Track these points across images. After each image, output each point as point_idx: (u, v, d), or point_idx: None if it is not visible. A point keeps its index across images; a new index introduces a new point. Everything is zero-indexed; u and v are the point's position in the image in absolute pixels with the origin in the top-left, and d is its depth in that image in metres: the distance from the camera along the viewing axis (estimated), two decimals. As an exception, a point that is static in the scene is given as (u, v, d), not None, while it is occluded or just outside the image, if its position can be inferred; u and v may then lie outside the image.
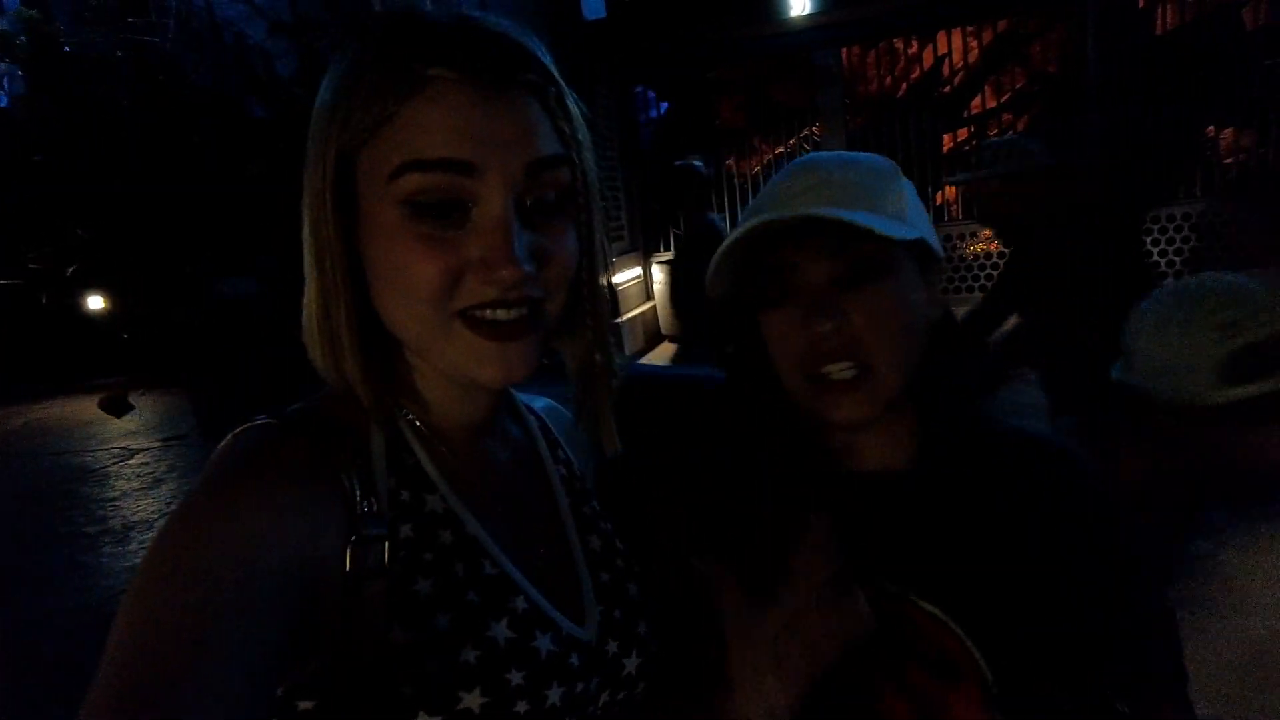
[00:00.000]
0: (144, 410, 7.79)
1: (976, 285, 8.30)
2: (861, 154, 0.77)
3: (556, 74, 0.59)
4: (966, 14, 7.88)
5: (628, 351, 8.01)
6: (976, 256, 8.33)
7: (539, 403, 0.79)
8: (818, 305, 0.69)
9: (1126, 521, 0.75)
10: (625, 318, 8.25)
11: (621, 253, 8.63)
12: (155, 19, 9.29)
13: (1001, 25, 8.15)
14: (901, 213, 0.72)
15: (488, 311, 0.56)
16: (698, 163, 3.85)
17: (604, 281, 0.65)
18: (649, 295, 9.22)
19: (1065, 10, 7.38)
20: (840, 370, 0.69)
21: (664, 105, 9.47)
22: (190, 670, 0.44)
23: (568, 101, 0.59)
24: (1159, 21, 7.70)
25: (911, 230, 0.69)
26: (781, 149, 9.34)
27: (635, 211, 9.11)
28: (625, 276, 8.62)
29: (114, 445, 6.64)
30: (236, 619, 0.46)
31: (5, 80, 8.79)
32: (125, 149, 7.49)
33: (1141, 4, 7.54)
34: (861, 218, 0.67)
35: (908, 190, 0.75)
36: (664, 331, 8.81)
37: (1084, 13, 6.79)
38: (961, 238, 8.35)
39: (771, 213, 0.70)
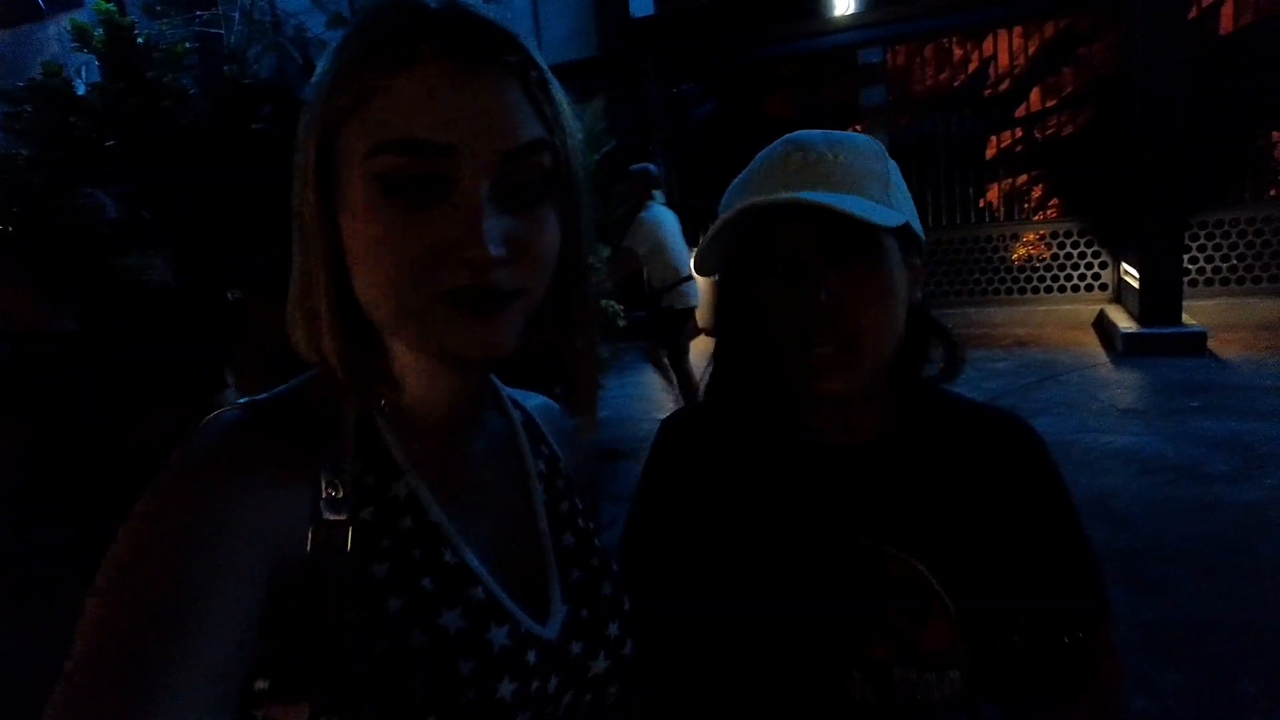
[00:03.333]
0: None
1: (1016, 288, 8.25)
2: (851, 134, 0.78)
3: (539, 58, 0.58)
4: (1015, 15, 7.81)
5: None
6: (1019, 259, 8.28)
7: (532, 400, 0.78)
8: (810, 282, 0.72)
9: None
10: (663, 310, 8.35)
11: (661, 246, 8.73)
12: (221, 11, 9.70)
13: (1050, 28, 8.05)
14: (887, 195, 0.74)
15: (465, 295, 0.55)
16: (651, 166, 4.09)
17: (591, 267, 0.65)
18: (687, 289, 9.31)
19: (1115, 11, 7.28)
20: (827, 345, 0.72)
21: (710, 103, 9.53)
22: (162, 655, 0.44)
23: (551, 86, 0.58)
24: (1225, 20, 7.54)
25: (897, 216, 0.72)
26: (825, 147, 9.33)
27: (678, 205, 9.20)
28: (664, 270, 8.72)
29: (173, 417, 6.99)
30: (206, 603, 0.46)
31: (83, 69, 9.24)
32: (190, 136, 7.84)
33: (1205, 3, 7.40)
34: (851, 202, 0.69)
35: (893, 171, 0.77)
36: (699, 325, 8.89)
37: (1133, 14, 6.70)
38: (1004, 239, 8.30)
39: (765, 194, 0.71)
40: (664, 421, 0.93)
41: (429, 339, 0.56)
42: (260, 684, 0.52)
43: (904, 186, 0.78)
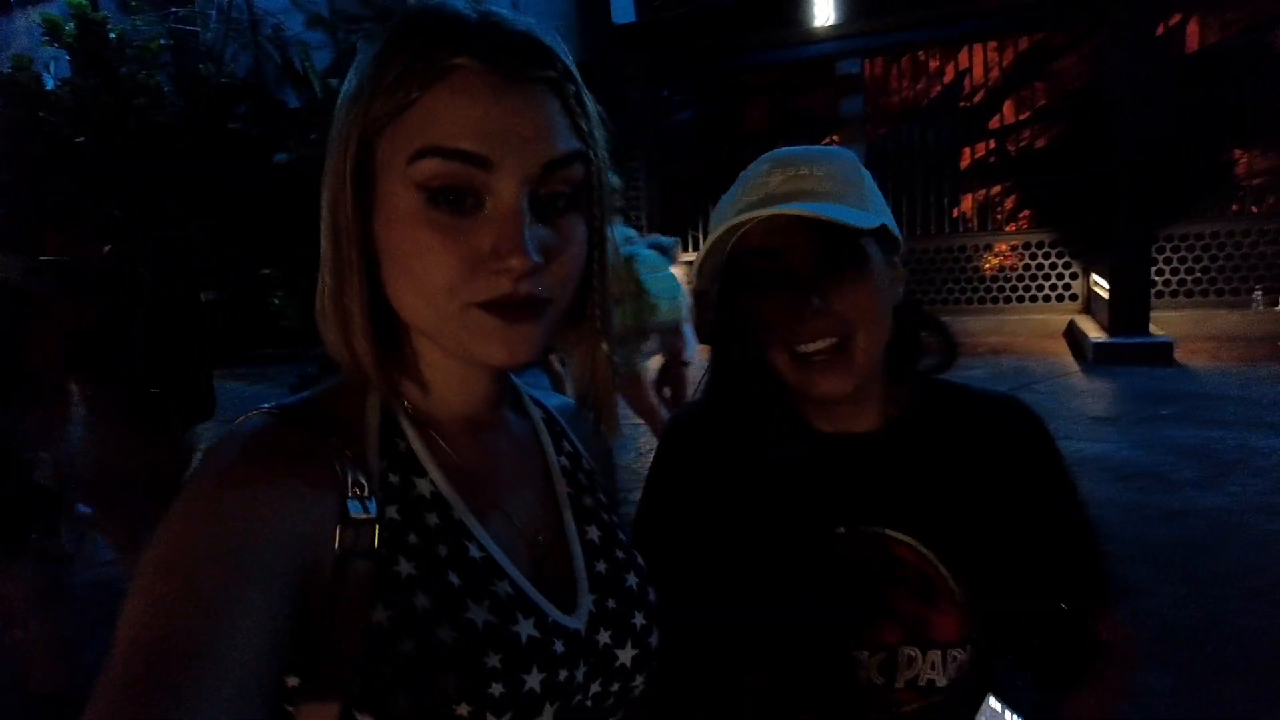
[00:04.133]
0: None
1: (989, 297, 8.39)
2: (826, 148, 0.82)
3: (575, 72, 0.59)
4: (989, 29, 7.97)
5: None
6: (992, 269, 8.43)
7: (553, 400, 0.79)
8: (804, 290, 0.75)
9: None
10: (641, 316, 8.38)
11: (640, 252, 8.76)
12: (197, 9, 9.57)
13: (1024, 42, 8.22)
14: (865, 202, 0.78)
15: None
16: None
17: (612, 274, 0.67)
18: (665, 295, 9.34)
19: (1089, 28, 7.46)
20: (821, 349, 0.75)
21: (691, 110, 9.59)
22: (196, 655, 0.44)
23: (586, 100, 0.60)
24: (1191, 39, 7.76)
25: (875, 219, 0.75)
26: (802, 155, 9.39)
27: (658, 211, 9.25)
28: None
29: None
30: (238, 604, 0.47)
31: (51, 64, 9.04)
32: (164, 133, 7.72)
33: (1173, 21, 7.60)
34: (833, 210, 0.73)
35: (867, 179, 0.81)
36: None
37: (1106, 31, 6.87)
38: (977, 249, 8.44)
39: (753, 210, 0.75)
40: (670, 419, 0.96)
41: (462, 344, 0.57)
42: (292, 681, 0.53)
43: (878, 192, 0.82)
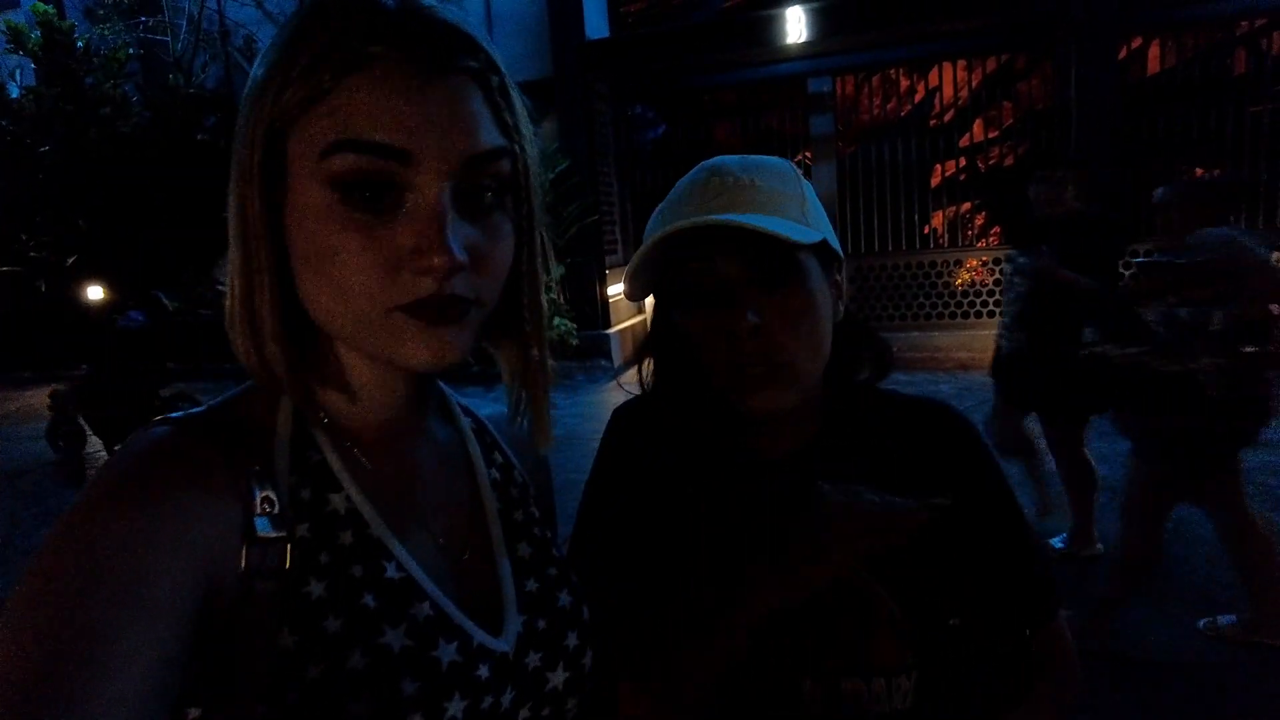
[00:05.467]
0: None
1: (959, 312, 8.48)
2: (765, 157, 0.79)
3: (500, 63, 0.57)
4: (957, 49, 8.10)
5: (616, 362, 8.13)
6: (963, 284, 8.52)
7: (486, 409, 0.76)
8: (735, 306, 0.72)
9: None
10: (615, 329, 8.39)
11: (615, 266, 8.78)
12: (167, 19, 9.47)
13: (992, 63, 8.38)
14: (804, 215, 0.75)
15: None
16: None
17: (544, 276, 0.64)
18: (640, 308, 9.36)
19: (1050, 51, 7.62)
20: (757, 367, 0.73)
21: (661, 127, 9.66)
22: (77, 685, 0.41)
23: (511, 92, 0.57)
24: (1152, 63, 7.94)
25: (814, 233, 0.73)
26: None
27: (629, 226, 9.27)
28: (618, 289, 8.77)
29: (105, 434, 6.72)
30: (126, 630, 0.43)
31: (17, 73, 8.89)
32: (130, 143, 7.62)
33: (1135, 44, 7.78)
34: (771, 223, 0.70)
35: (808, 191, 0.78)
36: (653, 345, 8.93)
37: (1067, 53, 7.02)
38: (947, 265, 8.53)
39: (690, 217, 0.72)
40: (615, 411, 0.91)
41: (384, 348, 0.54)
42: (194, 712, 0.49)
43: (820, 205, 0.79)
